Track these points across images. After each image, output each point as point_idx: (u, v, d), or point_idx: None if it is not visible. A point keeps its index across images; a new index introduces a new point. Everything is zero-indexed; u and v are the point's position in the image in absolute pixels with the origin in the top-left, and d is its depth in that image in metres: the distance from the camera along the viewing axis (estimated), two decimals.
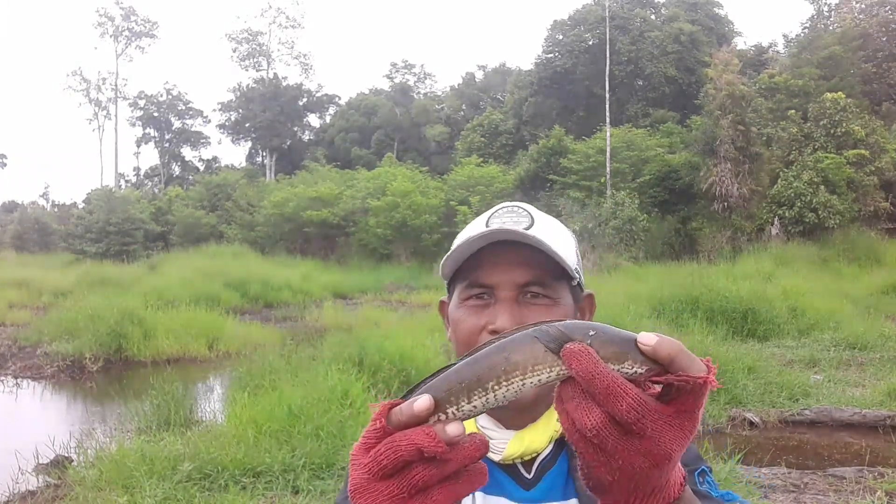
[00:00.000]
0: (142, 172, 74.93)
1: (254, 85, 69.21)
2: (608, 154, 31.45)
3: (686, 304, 12.97)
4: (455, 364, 0.76)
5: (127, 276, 23.55)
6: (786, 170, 27.19)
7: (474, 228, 1.19)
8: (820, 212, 25.13)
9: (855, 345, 11.50)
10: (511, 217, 1.18)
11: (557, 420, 1.08)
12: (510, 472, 1.16)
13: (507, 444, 1.15)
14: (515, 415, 1.16)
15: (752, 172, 27.24)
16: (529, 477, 1.15)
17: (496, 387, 0.73)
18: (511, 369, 0.72)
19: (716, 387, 0.72)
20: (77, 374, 12.64)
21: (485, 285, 1.16)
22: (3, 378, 12.71)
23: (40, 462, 7.06)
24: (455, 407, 0.74)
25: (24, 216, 50.18)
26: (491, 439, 1.10)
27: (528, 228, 1.14)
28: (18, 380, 12.58)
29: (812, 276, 18.05)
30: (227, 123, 70.39)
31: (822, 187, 25.67)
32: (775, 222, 25.98)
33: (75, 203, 59.04)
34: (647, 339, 0.70)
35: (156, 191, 61.71)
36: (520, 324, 1.04)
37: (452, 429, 0.71)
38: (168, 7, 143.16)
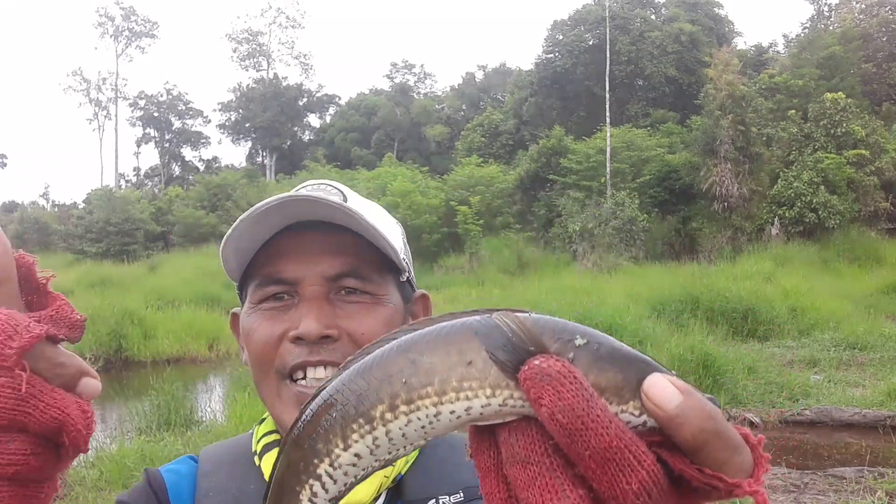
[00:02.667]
0: (142, 172, 74.99)
1: (254, 85, 69.24)
2: (608, 154, 31.45)
3: (686, 304, 12.98)
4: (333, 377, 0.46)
5: (127, 276, 23.58)
6: (786, 170, 27.19)
7: (268, 201, 0.90)
8: (820, 212, 25.12)
9: (855, 345, 11.50)
10: (318, 192, 0.93)
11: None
12: None
13: None
14: None
15: (753, 172, 27.22)
16: None
17: (389, 416, 0.42)
18: (420, 384, 0.41)
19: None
20: None
21: (283, 280, 0.90)
22: None
23: None
24: (327, 458, 0.44)
25: (24, 216, 50.15)
26: None
27: (339, 204, 0.88)
28: None
29: (812, 276, 18.05)
30: (227, 123, 70.43)
31: (823, 187, 25.66)
32: (775, 222, 25.98)
33: (75, 203, 59.06)
34: (663, 397, 0.40)
35: (156, 191, 61.70)
36: (330, 326, 0.87)
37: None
38: (168, 7, 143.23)
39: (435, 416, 0.42)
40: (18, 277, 0.55)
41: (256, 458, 0.95)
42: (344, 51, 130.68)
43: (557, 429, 0.39)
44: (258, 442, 0.97)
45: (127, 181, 69.55)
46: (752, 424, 8.04)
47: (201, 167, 72.22)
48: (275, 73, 70.27)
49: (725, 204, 26.88)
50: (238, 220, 0.87)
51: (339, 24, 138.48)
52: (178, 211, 43.58)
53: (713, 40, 42.62)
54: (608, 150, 31.54)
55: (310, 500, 0.45)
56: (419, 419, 0.42)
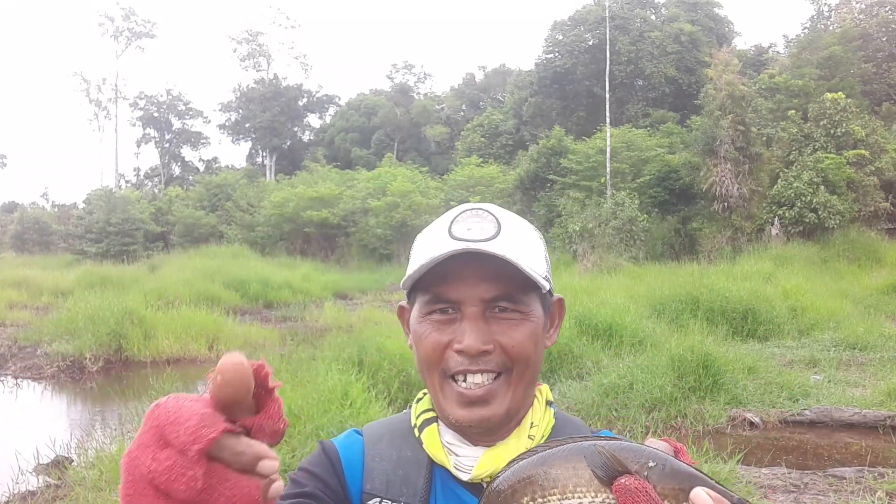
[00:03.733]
0: (142, 173, 74.98)
1: (254, 85, 69.23)
2: (608, 154, 31.45)
3: (686, 305, 12.97)
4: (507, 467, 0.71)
5: (127, 276, 23.53)
6: (786, 170, 27.18)
7: (436, 238, 1.09)
8: (820, 212, 25.11)
9: (855, 345, 11.49)
10: (476, 223, 1.08)
11: (529, 437, 1.10)
12: (478, 493, 1.07)
13: (475, 462, 1.08)
14: (484, 433, 1.09)
15: (752, 172, 27.22)
16: None
17: (530, 502, 0.67)
18: (549, 486, 0.67)
19: None
20: (77, 374, 12.64)
21: (449, 300, 1.07)
22: (3, 378, 12.71)
23: (40, 462, 7.06)
24: None
25: (24, 216, 50.16)
26: (457, 456, 1.09)
27: (494, 237, 1.06)
28: (18, 380, 12.58)
29: (812, 276, 18.04)
30: (227, 124, 70.42)
31: (822, 187, 25.64)
32: (775, 222, 25.97)
33: (75, 203, 59.05)
34: (702, 502, 0.68)
35: (156, 191, 61.71)
36: (487, 342, 1.05)
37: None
38: (168, 7, 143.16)
39: None
40: (255, 384, 0.68)
41: (416, 431, 1.14)
42: (344, 51, 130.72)
43: None
44: (418, 417, 1.16)
45: (127, 181, 69.55)
46: (751, 424, 8.06)
47: (201, 167, 72.25)
48: (275, 74, 70.27)
49: (725, 204, 26.88)
50: (417, 258, 1.09)
51: (340, 24, 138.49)
52: (178, 211, 43.59)
53: (713, 40, 42.63)
54: (608, 150, 31.54)
55: None
56: None
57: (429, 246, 1.08)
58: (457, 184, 36.32)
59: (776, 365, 10.12)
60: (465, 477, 1.08)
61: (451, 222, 1.09)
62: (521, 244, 1.08)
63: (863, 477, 6.11)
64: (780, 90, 31.53)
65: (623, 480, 0.63)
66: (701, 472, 0.66)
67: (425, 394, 1.19)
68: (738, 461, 6.23)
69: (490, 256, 1.03)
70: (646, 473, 0.64)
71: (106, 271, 25.40)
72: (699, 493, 0.64)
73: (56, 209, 58.71)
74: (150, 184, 71.24)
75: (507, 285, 1.06)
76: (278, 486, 0.67)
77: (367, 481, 1.12)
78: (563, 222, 28.82)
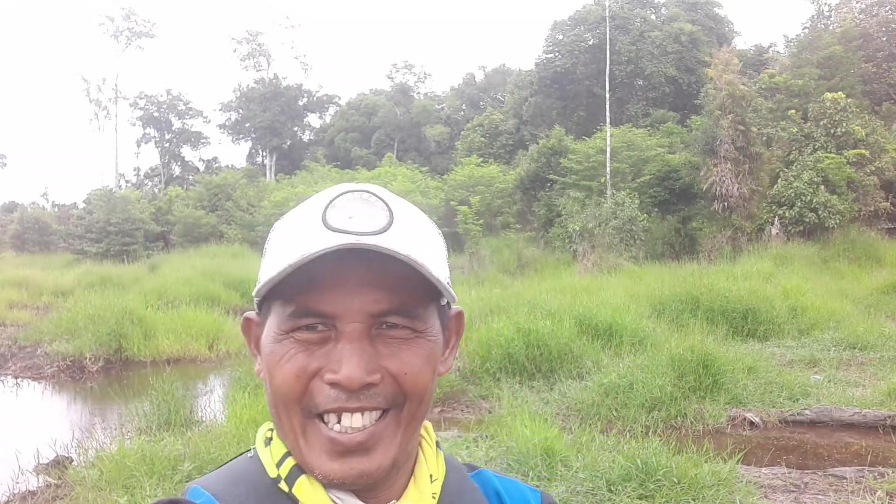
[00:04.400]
0: (142, 172, 74.98)
1: (254, 85, 69.26)
2: (608, 154, 31.46)
3: (686, 304, 12.98)
4: None
5: (127, 276, 23.54)
6: (786, 170, 27.18)
7: (304, 228, 0.81)
8: (820, 212, 25.11)
9: (855, 344, 11.50)
10: (361, 210, 0.81)
11: (432, 494, 0.88)
12: None
13: None
14: (371, 491, 0.84)
15: (753, 172, 27.21)
16: None
17: None
18: None
19: None
20: (77, 374, 12.65)
21: (322, 314, 0.79)
22: (3, 378, 12.73)
23: (40, 462, 7.08)
24: None
25: (24, 216, 50.14)
26: None
27: (385, 229, 0.79)
28: (19, 380, 12.60)
29: (812, 275, 18.06)
30: (227, 123, 70.46)
31: (823, 187, 25.65)
32: (775, 222, 25.98)
33: (75, 203, 59.04)
34: None
35: (156, 191, 61.72)
36: (373, 370, 0.79)
37: None
38: (168, 7, 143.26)
39: None
40: None
41: (284, 485, 0.84)
42: (344, 51, 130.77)
43: None
44: (279, 465, 0.86)
45: (127, 181, 69.56)
46: (752, 424, 8.06)
47: (201, 167, 72.26)
48: (275, 74, 70.32)
49: (725, 204, 26.88)
50: (282, 267, 0.77)
51: (340, 24, 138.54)
52: (178, 211, 43.59)
53: (713, 40, 42.65)
54: (608, 149, 31.55)
55: None
56: None
57: (295, 240, 0.80)
58: (457, 183, 36.34)
59: (776, 365, 10.12)
60: None
61: (326, 207, 0.81)
62: (420, 240, 0.82)
63: (863, 477, 6.11)
64: (780, 90, 31.52)
65: None
66: None
67: (273, 430, 0.89)
68: (738, 461, 6.23)
69: (382, 256, 0.77)
70: None
71: (106, 271, 25.42)
72: None
73: (56, 209, 58.72)
74: (150, 183, 71.25)
75: (402, 295, 0.80)
76: None
77: None
78: (563, 222, 28.82)
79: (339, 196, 0.82)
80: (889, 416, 7.80)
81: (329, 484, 0.81)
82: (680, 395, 8.37)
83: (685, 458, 6.00)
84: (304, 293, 0.79)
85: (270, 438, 0.89)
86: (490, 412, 8.54)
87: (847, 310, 14.09)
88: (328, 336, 0.80)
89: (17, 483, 6.48)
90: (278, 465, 0.86)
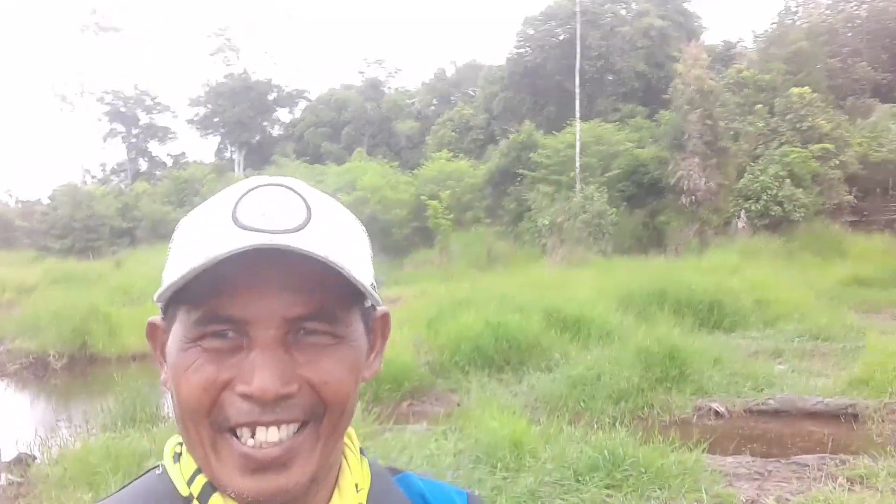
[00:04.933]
0: (108, 168, 73.96)
1: (223, 80, 68.63)
2: (578, 149, 31.57)
3: (653, 297, 13.09)
4: None
5: (92, 272, 23.24)
6: (752, 164, 27.53)
7: (212, 225, 0.73)
8: (785, 205, 25.47)
9: (818, 335, 11.69)
10: (274, 205, 0.74)
11: None
12: None
13: None
14: (294, 502, 0.76)
15: (720, 166, 27.51)
16: None
17: None
18: None
19: None
20: (41, 371, 12.47)
21: (232, 320, 0.73)
22: None
23: (2, 460, 6.96)
24: None
25: None
26: None
27: (302, 227, 0.72)
28: None
29: (778, 268, 18.30)
30: (195, 119, 69.76)
31: (788, 181, 26.01)
32: (742, 215, 26.30)
33: (40, 200, 58.12)
34: None
35: (122, 186, 60.94)
36: (289, 380, 0.72)
37: None
38: (135, 2, 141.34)
39: None
40: None
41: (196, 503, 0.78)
42: (314, 45, 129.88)
43: None
44: (190, 482, 0.79)
45: (93, 177, 68.62)
46: (717, 414, 8.16)
47: (169, 162, 71.48)
48: (244, 69, 69.72)
49: (693, 198, 27.15)
50: (187, 269, 0.70)
51: (310, 19, 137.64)
52: (146, 206, 43.13)
53: (682, 35, 42.96)
54: (577, 144, 31.67)
55: None
56: None
57: (202, 239, 0.72)
58: (427, 178, 36.29)
59: (741, 356, 10.27)
60: None
61: (237, 203, 0.74)
62: (341, 239, 0.75)
63: (825, 464, 6.20)
64: (748, 85, 31.87)
65: None
66: None
67: (183, 444, 0.82)
68: (703, 450, 6.30)
69: (298, 256, 0.70)
70: None
71: (70, 267, 25.08)
72: None
73: (20, 205, 57.77)
74: (116, 179, 70.31)
75: (321, 297, 0.73)
76: None
77: None
78: (532, 216, 28.94)
79: (250, 190, 0.75)
80: (850, 405, 7.94)
81: (243, 502, 0.75)
82: (647, 387, 8.46)
83: (652, 448, 6.06)
84: (212, 297, 0.72)
85: (180, 454, 0.82)
86: (459, 405, 8.56)
87: (811, 302, 14.31)
88: (239, 344, 0.73)
89: None
90: (189, 482, 0.79)
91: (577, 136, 31.69)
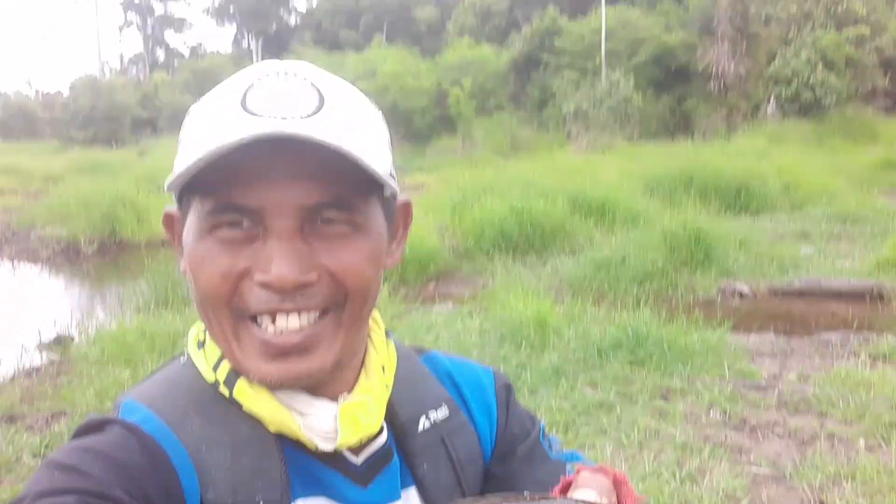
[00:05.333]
0: (126, 59, 73.19)
1: None
2: (603, 34, 30.72)
3: (680, 182, 12.99)
4: None
5: (116, 161, 23.31)
6: (784, 48, 26.69)
7: (222, 112, 0.71)
8: (817, 90, 24.83)
9: (846, 218, 11.59)
10: (285, 92, 0.71)
11: (386, 385, 0.84)
12: (331, 462, 0.79)
13: (333, 424, 0.77)
14: (322, 384, 0.78)
15: (750, 52, 26.73)
16: (359, 464, 0.81)
17: None
18: None
19: None
20: (73, 256, 12.72)
21: (246, 209, 0.71)
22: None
23: (42, 341, 7.17)
24: None
25: (7, 104, 49.25)
26: (305, 416, 0.77)
27: (314, 113, 0.70)
28: (15, 263, 12.66)
29: (807, 153, 17.99)
30: (210, 8, 68.32)
31: (821, 65, 25.26)
32: (771, 101, 25.70)
33: (60, 91, 57.89)
34: None
35: (140, 77, 60.42)
36: (308, 268, 0.72)
37: None
38: None
39: None
40: None
41: (224, 389, 0.78)
42: None
43: None
44: (215, 368, 0.80)
45: (111, 68, 67.99)
46: (741, 295, 8.19)
47: (186, 53, 70.55)
48: None
49: (721, 83, 26.53)
50: (196, 158, 0.67)
51: None
52: (165, 96, 42.88)
53: None
54: (603, 29, 30.79)
55: None
56: None
57: (211, 126, 0.70)
58: (448, 66, 35.61)
59: (767, 238, 10.23)
60: (327, 446, 0.77)
61: (247, 90, 0.71)
62: (356, 125, 0.73)
63: (848, 341, 6.26)
64: None
65: None
66: None
67: (206, 332, 0.82)
68: (727, 329, 6.36)
69: (311, 144, 0.67)
70: None
71: (95, 156, 25.19)
72: None
73: (41, 97, 57.61)
74: (134, 70, 69.69)
75: (336, 186, 0.72)
76: None
77: (206, 486, 0.74)
78: (556, 103, 28.46)
79: (262, 76, 0.73)
80: (876, 286, 7.93)
81: (267, 386, 0.75)
82: (671, 269, 8.47)
83: (675, 327, 6.13)
84: (225, 186, 0.70)
85: (203, 341, 0.83)
86: (484, 287, 8.65)
87: (840, 185, 14.13)
88: (255, 234, 0.72)
89: (22, 361, 6.59)
90: (214, 368, 0.80)
91: (603, 21, 30.79)
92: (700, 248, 8.74)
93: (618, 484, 0.66)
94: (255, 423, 0.77)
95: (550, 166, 15.74)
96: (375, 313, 0.86)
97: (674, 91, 29.07)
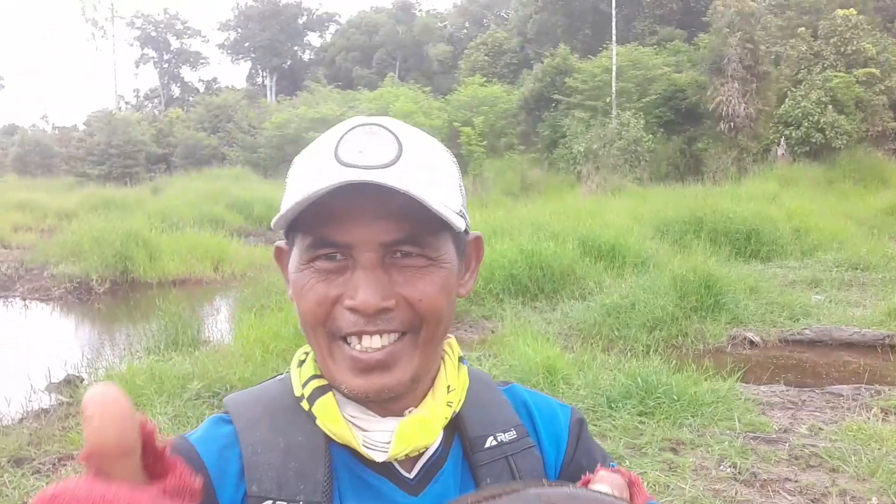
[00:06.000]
0: (141, 94, 74.20)
1: (252, 3, 67.82)
2: (614, 73, 30.92)
3: (690, 226, 12.99)
4: None
5: (130, 198, 23.55)
6: (794, 89, 26.78)
7: (318, 163, 0.86)
8: (827, 132, 24.84)
9: (857, 265, 11.54)
10: (370, 144, 0.85)
11: (448, 403, 0.93)
12: (385, 473, 0.90)
13: (389, 438, 0.88)
14: (387, 402, 0.89)
15: (760, 92, 26.82)
16: (411, 477, 0.91)
17: None
18: None
19: None
20: (84, 295, 12.78)
21: (337, 244, 0.85)
22: (11, 300, 12.86)
23: (52, 381, 7.18)
24: None
25: (24, 139, 49.85)
26: (365, 432, 0.89)
27: (393, 162, 0.83)
28: (27, 301, 12.73)
29: (817, 197, 17.99)
30: (226, 43, 69.31)
31: (831, 107, 25.31)
32: (781, 143, 25.73)
33: (76, 126, 58.59)
34: None
35: (156, 112, 61.11)
36: (387, 296, 0.85)
37: None
38: None
39: None
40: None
41: (305, 403, 0.91)
42: None
43: None
44: (304, 385, 0.93)
45: (127, 103, 68.87)
46: (752, 343, 8.16)
47: (201, 88, 71.42)
48: None
49: (731, 124, 26.57)
50: (295, 202, 0.81)
51: None
52: (179, 133, 43.31)
53: None
54: (614, 68, 31.00)
55: None
56: None
57: (309, 174, 0.85)
58: (460, 104, 35.87)
59: (778, 285, 10.19)
60: (379, 457, 0.88)
61: (339, 142, 0.86)
62: (429, 171, 0.87)
63: (860, 394, 6.21)
64: (791, 6, 30.80)
65: None
66: None
67: (308, 353, 0.97)
68: (737, 379, 6.33)
69: (389, 190, 0.80)
70: None
71: (109, 193, 25.41)
72: None
73: (56, 131, 58.31)
74: (150, 105, 70.55)
75: (412, 224, 0.84)
76: None
77: (252, 481, 0.86)
78: (567, 143, 28.58)
79: (350, 130, 0.87)
80: (888, 336, 7.88)
81: (354, 398, 0.88)
82: (681, 315, 8.45)
83: (685, 377, 6.10)
84: (321, 225, 0.84)
85: (303, 361, 0.96)
86: (493, 332, 8.64)
87: (851, 231, 14.09)
88: (346, 265, 0.85)
89: (31, 401, 6.59)
90: (303, 385, 0.93)
91: (614, 61, 31.01)
92: (710, 295, 8.72)
93: (631, 484, 0.73)
94: (313, 434, 0.89)
95: (561, 208, 15.78)
96: (452, 341, 0.99)
97: (684, 131, 29.16)
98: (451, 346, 0.99)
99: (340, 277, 0.86)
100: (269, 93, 61.85)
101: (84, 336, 10.66)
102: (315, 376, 0.93)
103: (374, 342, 0.85)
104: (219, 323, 10.04)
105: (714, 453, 4.96)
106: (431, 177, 0.86)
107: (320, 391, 0.91)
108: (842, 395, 6.19)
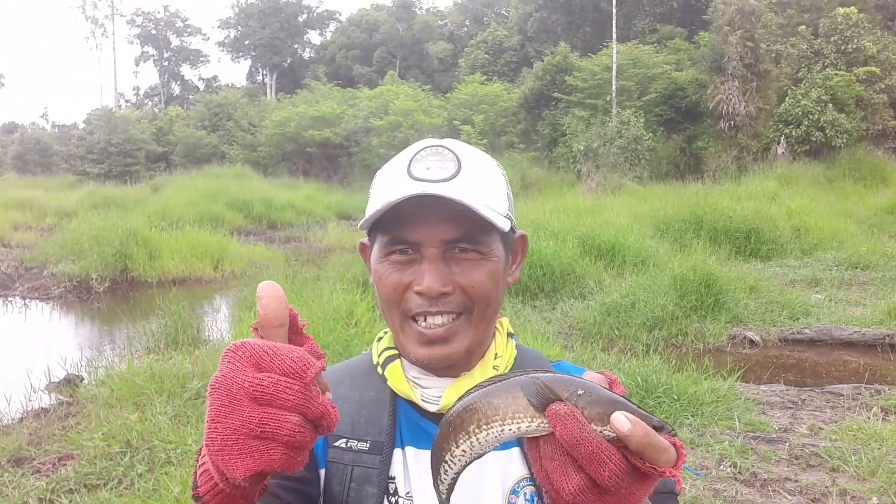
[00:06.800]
0: (141, 92, 74.15)
1: (253, 0, 67.75)
2: (614, 71, 30.88)
3: (690, 225, 12.98)
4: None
5: (130, 197, 23.50)
6: (794, 87, 26.74)
7: (394, 177, 1.08)
8: (827, 130, 24.81)
9: (857, 264, 11.54)
10: (436, 162, 1.07)
11: (494, 367, 1.13)
12: (437, 421, 1.04)
13: (441, 394, 1.10)
14: (446, 368, 1.11)
15: (760, 90, 26.78)
16: None
17: (476, 430, 0.75)
18: (492, 414, 0.74)
19: (679, 485, 0.92)
20: (84, 294, 12.77)
21: (408, 241, 1.07)
22: (11, 299, 12.84)
23: (52, 381, 7.17)
24: (448, 453, 0.78)
25: (24, 137, 49.82)
26: (423, 388, 1.11)
27: (453, 177, 1.05)
28: (27, 300, 12.71)
29: (817, 195, 17.97)
30: (226, 41, 69.25)
31: (831, 105, 25.28)
32: (781, 141, 25.71)
33: (75, 124, 58.54)
34: (619, 425, 0.70)
35: (156, 111, 61.06)
36: (446, 283, 1.06)
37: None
38: None
39: (500, 430, 0.74)
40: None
41: (379, 368, 1.16)
42: None
43: (565, 442, 0.70)
44: (380, 355, 1.18)
45: (126, 101, 68.80)
46: (751, 343, 8.15)
47: (201, 86, 71.38)
48: None
49: (731, 122, 26.55)
50: (376, 200, 1.07)
51: None
52: (179, 131, 43.26)
53: None
54: (614, 67, 30.96)
55: (441, 478, 0.79)
56: (493, 432, 0.74)
57: (387, 186, 1.08)
58: (460, 102, 35.86)
59: (778, 284, 10.19)
60: (432, 408, 1.10)
61: (411, 161, 1.08)
62: (482, 184, 1.08)
63: (860, 394, 6.21)
64: (791, 4, 30.74)
65: (554, 406, 0.71)
66: (627, 399, 0.73)
67: (387, 332, 1.21)
68: (737, 378, 6.33)
69: (449, 200, 1.01)
70: (574, 401, 0.71)
71: (109, 192, 25.36)
72: (618, 417, 0.70)
73: (56, 129, 58.26)
74: (149, 103, 70.49)
75: (466, 226, 1.06)
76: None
77: None
78: (567, 141, 28.56)
79: (420, 150, 1.09)
80: (888, 335, 7.88)
81: (419, 365, 1.10)
82: (681, 314, 8.45)
83: (685, 376, 6.10)
84: (396, 227, 1.07)
85: (381, 338, 1.21)
86: None
87: (851, 230, 14.09)
88: (415, 258, 1.07)
89: (31, 401, 6.59)
90: (379, 355, 1.18)
91: (614, 59, 30.97)
92: (710, 294, 8.72)
93: (612, 382, 0.80)
94: (383, 391, 1.14)
95: (560, 206, 15.77)
96: (504, 320, 1.20)
97: (684, 130, 29.12)
98: (502, 324, 1.20)
99: (411, 268, 1.07)
100: (269, 91, 61.81)
101: (84, 335, 10.64)
102: (389, 348, 1.17)
103: (436, 320, 1.06)
104: (219, 322, 10.02)
105: (714, 453, 4.97)
106: (483, 188, 1.07)
107: (391, 359, 1.15)
108: (842, 395, 6.19)
